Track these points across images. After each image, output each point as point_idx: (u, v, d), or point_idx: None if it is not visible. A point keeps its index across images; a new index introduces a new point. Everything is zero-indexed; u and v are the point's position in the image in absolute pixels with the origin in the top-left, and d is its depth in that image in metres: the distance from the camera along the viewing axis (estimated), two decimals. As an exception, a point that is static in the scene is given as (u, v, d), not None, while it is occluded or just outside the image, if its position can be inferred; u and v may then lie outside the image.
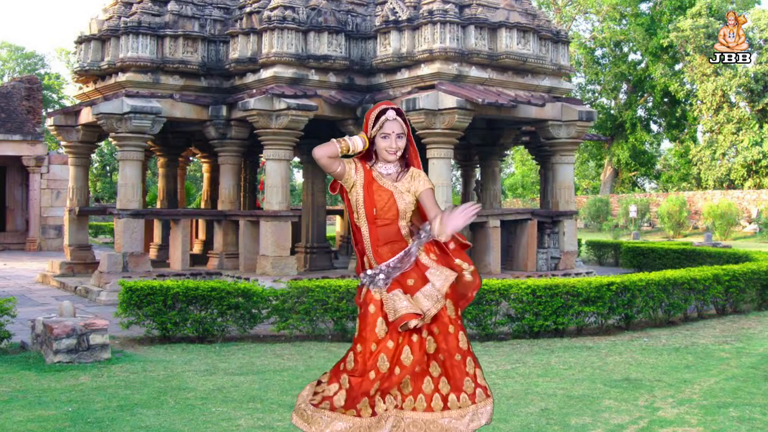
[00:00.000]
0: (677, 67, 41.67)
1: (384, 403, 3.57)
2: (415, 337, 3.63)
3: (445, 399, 3.62)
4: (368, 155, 3.80)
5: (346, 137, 3.73)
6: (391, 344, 3.60)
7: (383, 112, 3.75)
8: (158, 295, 8.38)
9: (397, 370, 3.59)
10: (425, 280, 3.63)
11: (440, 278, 3.64)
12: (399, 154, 3.75)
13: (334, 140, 3.68)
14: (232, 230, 14.90)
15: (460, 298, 3.74)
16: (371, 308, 3.64)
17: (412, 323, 3.56)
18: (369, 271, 3.71)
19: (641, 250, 18.65)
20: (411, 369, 3.61)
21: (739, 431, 4.96)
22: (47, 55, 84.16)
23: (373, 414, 3.55)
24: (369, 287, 3.68)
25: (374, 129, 3.74)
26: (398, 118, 3.74)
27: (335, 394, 3.58)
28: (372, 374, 3.55)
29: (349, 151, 3.69)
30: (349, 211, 3.83)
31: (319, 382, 3.73)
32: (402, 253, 3.68)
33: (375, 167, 3.78)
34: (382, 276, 3.66)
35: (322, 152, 3.63)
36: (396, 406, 3.60)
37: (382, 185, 3.73)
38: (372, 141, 3.76)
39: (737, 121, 37.55)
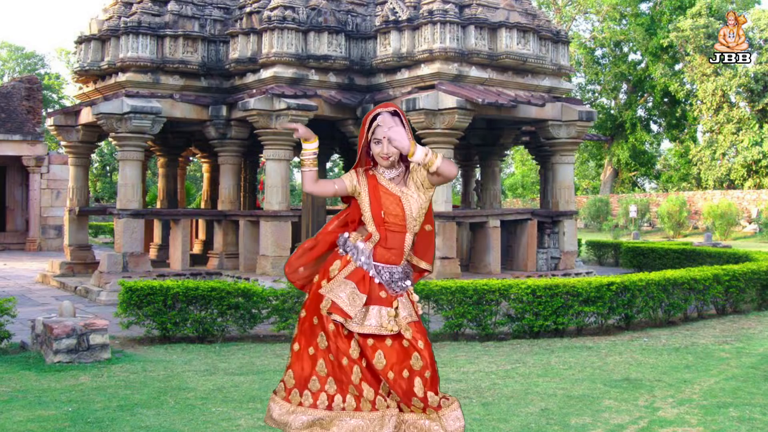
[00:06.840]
0: (677, 67, 41.66)
1: (386, 399, 3.49)
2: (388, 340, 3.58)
3: (436, 401, 3.55)
4: (369, 161, 3.72)
5: (305, 154, 3.72)
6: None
7: (375, 117, 3.63)
8: (158, 295, 8.38)
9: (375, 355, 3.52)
10: (389, 305, 3.55)
11: (404, 310, 3.57)
12: (392, 159, 3.60)
13: (304, 169, 3.69)
14: (232, 230, 14.90)
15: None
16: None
17: (337, 318, 3.50)
18: (360, 244, 3.63)
19: (641, 250, 18.64)
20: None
21: (739, 431, 4.96)
22: (47, 55, 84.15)
23: (374, 409, 3.47)
24: (353, 259, 3.63)
25: (368, 134, 3.64)
26: (395, 119, 3.59)
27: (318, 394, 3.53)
28: (345, 360, 3.49)
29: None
30: (353, 211, 3.75)
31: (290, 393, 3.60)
32: (402, 274, 3.63)
33: (377, 172, 3.68)
34: (362, 257, 3.61)
35: (309, 187, 3.69)
36: (398, 405, 3.52)
37: (389, 189, 3.63)
38: (368, 145, 3.66)
39: (737, 121, 37.54)
